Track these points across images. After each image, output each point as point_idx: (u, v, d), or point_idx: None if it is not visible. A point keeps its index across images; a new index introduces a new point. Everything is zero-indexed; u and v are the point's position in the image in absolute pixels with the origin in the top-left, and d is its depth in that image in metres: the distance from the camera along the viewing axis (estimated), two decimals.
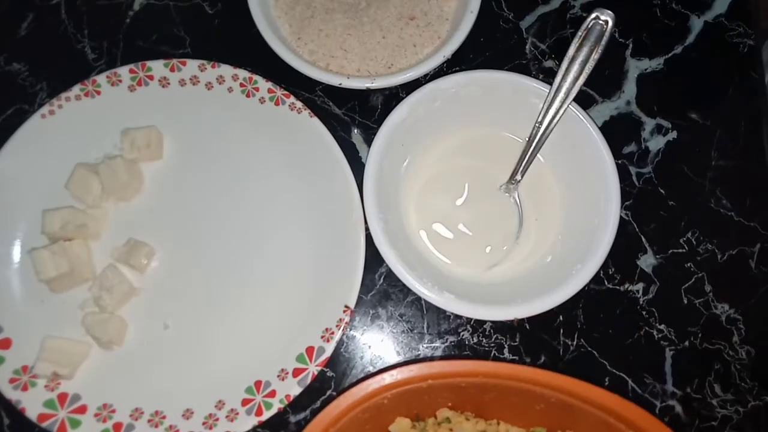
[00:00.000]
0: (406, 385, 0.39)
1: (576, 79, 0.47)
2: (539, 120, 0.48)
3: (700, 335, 0.51)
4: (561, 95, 0.47)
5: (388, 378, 0.38)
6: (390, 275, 0.52)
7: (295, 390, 0.46)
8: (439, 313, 0.51)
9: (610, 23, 0.46)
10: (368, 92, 0.55)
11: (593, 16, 0.46)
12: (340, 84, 0.49)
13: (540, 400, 0.41)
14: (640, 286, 0.52)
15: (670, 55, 0.57)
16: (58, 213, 0.48)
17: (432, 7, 0.52)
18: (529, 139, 0.48)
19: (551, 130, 0.48)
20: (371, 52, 0.51)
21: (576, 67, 0.47)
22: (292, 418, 0.49)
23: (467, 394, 0.42)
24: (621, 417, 0.38)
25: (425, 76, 0.50)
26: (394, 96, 0.55)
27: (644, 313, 0.52)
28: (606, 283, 0.52)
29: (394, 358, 0.50)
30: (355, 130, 0.55)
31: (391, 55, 0.52)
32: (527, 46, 0.57)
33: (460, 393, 0.42)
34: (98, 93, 0.52)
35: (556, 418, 0.42)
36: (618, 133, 0.54)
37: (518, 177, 0.50)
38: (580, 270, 0.45)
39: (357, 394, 0.38)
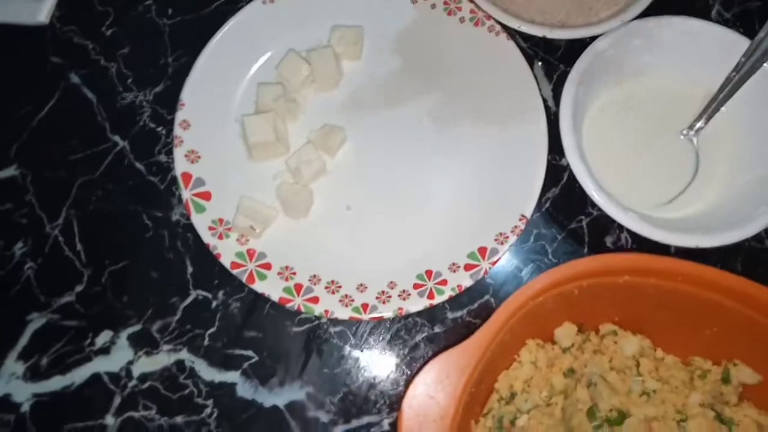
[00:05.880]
0: (604, 276, 0.41)
1: None
2: (735, 71, 0.50)
3: None
4: (760, 52, 0.49)
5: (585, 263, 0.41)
6: (555, 202, 0.54)
7: (467, 282, 0.49)
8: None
9: None
10: None
11: None
12: (519, 27, 0.52)
13: (716, 320, 0.42)
14: None
15: None
16: (272, 87, 0.53)
17: None
18: (719, 88, 0.50)
19: (743, 83, 0.50)
20: (549, 5, 0.54)
21: None
22: (450, 314, 0.52)
23: (634, 312, 0.44)
24: None
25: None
26: (578, 41, 0.58)
27: None
28: (766, 242, 0.53)
29: None
30: (539, 63, 0.58)
31: (566, 13, 0.55)
32: (713, 12, 0.59)
33: (626, 309, 0.44)
34: None
35: (728, 345, 0.43)
36: None
37: (701, 124, 0.52)
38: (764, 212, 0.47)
39: (559, 272, 0.40)
